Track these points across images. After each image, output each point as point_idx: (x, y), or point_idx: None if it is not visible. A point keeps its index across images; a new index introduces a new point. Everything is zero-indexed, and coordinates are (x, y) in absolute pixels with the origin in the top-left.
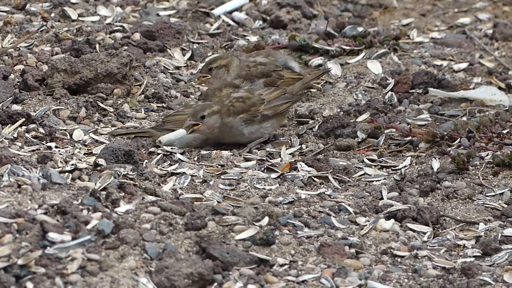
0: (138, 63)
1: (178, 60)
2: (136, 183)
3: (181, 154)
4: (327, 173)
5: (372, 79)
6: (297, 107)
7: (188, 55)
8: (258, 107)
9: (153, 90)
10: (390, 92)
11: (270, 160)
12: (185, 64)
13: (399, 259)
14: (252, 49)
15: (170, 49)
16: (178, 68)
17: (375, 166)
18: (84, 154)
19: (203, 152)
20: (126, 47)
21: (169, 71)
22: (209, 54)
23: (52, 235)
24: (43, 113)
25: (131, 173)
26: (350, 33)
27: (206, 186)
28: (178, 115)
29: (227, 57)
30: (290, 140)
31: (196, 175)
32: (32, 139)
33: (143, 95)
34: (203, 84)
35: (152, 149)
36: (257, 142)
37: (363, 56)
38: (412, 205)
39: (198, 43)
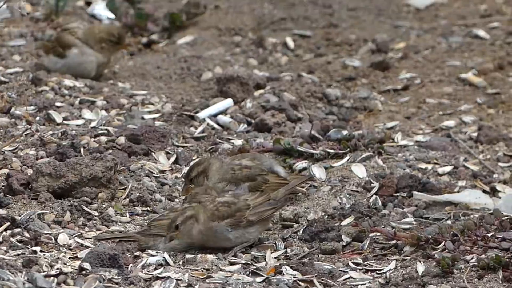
0: (122, 167)
1: (162, 163)
2: (121, 287)
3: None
4: (312, 277)
5: (357, 183)
6: (282, 210)
7: (172, 159)
8: (243, 213)
9: (137, 194)
10: (374, 196)
11: (255, 264)
12: (170, 168)
13: None
14: (236, 152)
15: (154, 153)
16: (162, 172)
17: (360, 269)
18: (69, 258)
19: (188, 256)
20: (111, 151)
21: (154, 175)
22: (193, 158)
23: None
24: (28, 217)
25: (116, 277)
26: (334, 136)
27: None
28: (164, 220)
29: (203, 162)
30: (275, 243)
31: (181, 279)
32: (17, 243)
33: (127, 199)
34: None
35: (137, 253)
36: (242, 246)
37: (348, 160)
38: None
39: (183, 146)
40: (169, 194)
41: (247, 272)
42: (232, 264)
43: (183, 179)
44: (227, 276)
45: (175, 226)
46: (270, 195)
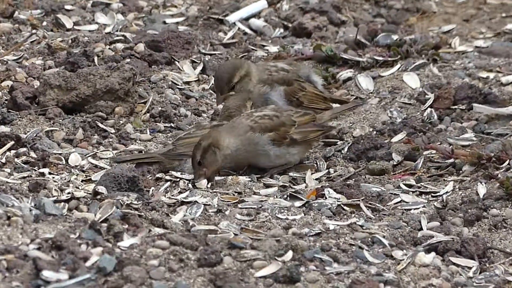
0: (142, 78)
1: (188, 74)
2: (142, 213)
3: (191, 179)
4: (359, 200)
5: (409, 94)
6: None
7: (199, 68)
8: (288, 129)
9: (159, 108)
10: (429, 109)
11: (294, 187)
12: (196, 79)
13: None
14: (271, 60)
15: (178, 62)
16: (188, 83)
17: (412, 192)
18: (82, 181)
19: (217, 178)
20: (128, 60)
21: (178, 86)
22: None
23: (46, 274)
24: (34, 135)
25: (135, 202)
26: (383, 41)
27: (221, 217)
28: (191, 138)
29: (241, 64)
30: (316, 163)
31: (209, 204)
32: (23, 164)
33: (148, 114)
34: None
35: (159, 175)
36: (282, 168)
37: (399, 68)
38: (455, 237)
39: (211, 54)
40: (195, 108)
41: (285, 196)
42: (267, 186)
43: (214, 89)
44: (261, 201)
45: (197, 163)
46: (316, 116)
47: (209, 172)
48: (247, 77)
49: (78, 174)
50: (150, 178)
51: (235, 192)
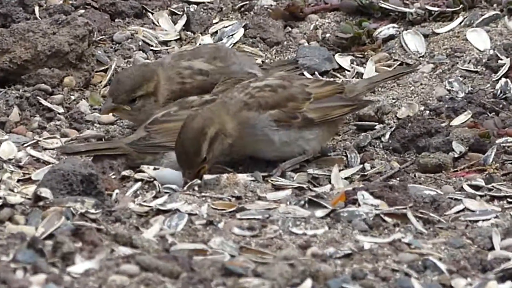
0: (102, 36)
1: (165, 30)
2: (101, 226)
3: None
4: (405, 208)
5: (475, 59)
6: None
7: (181, 22)
8: (299, 104)
9: None
10: (503, 79)
11: (314, 189)
12: (177, 37)
13: None
14: (282, 13)
15: (152, 13)
16: (165, 43)
17: (481, 197)
18: (18, 181)
19: (207, 176)
20: (82, 11)
21: (152, 48)
22: (214, 22)
23: None
24: None
25: (93, 211)
26: None
27: (212, 231)
28: (171, 121)
29: (152, 76)
30: (346, 155)
31: (196, 214)
32: None
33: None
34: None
35: (125, 172)
36: (295, 161)
37: (461, 23)
38: None
39: (197, 3)
40: None
41: (302, 202)
42: (277, 188)
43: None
44: (269, 208)
45: (202, 160)
46: (344, 86)
47: (205, 169)
48: (153, 96)
49: (12, 171)
50: (113, 177)
51: (232, 196)
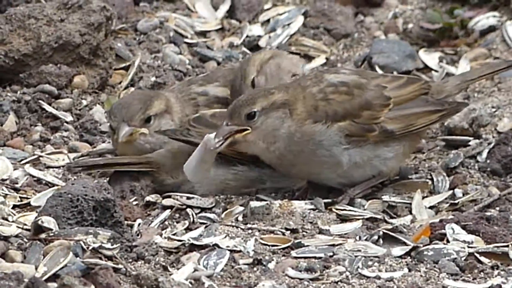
0: (123, 25)
1: (203, 18)
2: (120, 265)
3: (211, 208)
4: (507, 246)
5: None
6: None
7: (224, 8)
8: (376, 113)
9: (152, 79)
10: None
11: (391, 221)
12: (219, 26)
13: None
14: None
15: None
16: (203, 34)
17: None
18: (14, 207)
19: (253, 204)
20: None
21: (186, 40)
22: (266, 7)
23: None
24: None
25: (109, 245)
26: None
27: (261, 273)
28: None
29: (157, 94)
30: (432, 179)
31: (240, 250)
32: None
33: (133, 89)
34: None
35: (150, 197)
36: (366, 185)
37: None
38: None
39: None
40: None
41: (375, 237)
42: (344, 220)
43: (113, 123)
44: (333, 245)
45: (247, 115)
46: (430, 84)
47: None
48: (168, 114)
49: (6, 194)
50: (135, 203)
51: (286, 229)
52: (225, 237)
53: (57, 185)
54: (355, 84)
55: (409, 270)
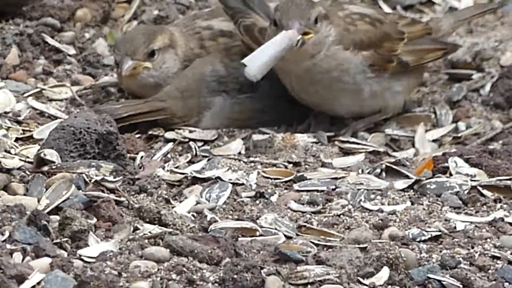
0: None
1: None
2: (122, 198)
3: (213, 140)
4: (510, 179)
5: None
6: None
7: None
8: (394, 45)
9: (155, 12)
10: None
11: (394, 154)
12: None
13: None
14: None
15: None
16: None
17: None
18: (17, 139)
19: (256, 136)
20: None
21: None
22: None
23: None
24: None
25: (111, 178)
26: None
27: (263, 206)
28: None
29: (162, 28)
30: (435, 112)
31: (243, 183)
32: None
33: (135, 22)
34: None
35: (153, 131)
36: (370, 120)
37: None
38: None
39: None
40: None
41: (378, 170)
42: (347, 153)
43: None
44: (335, 178)
45: (316, 18)
46: (430, 25)
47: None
48: (172, 48)
49: (9, 127)
50: (137, 135)
51: (289, 162)
52: (228, 170)
53: (60, 118)
54: (375, 17)
55: (412, 204)
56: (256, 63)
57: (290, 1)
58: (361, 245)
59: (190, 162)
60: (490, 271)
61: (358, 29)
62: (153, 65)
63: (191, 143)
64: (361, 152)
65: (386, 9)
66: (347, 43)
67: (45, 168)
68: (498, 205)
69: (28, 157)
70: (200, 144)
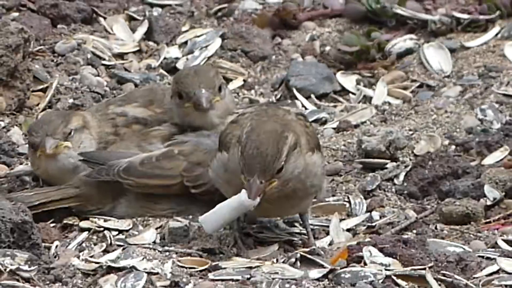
0: (41, 46)
1: (121, 39)
2: (37, 287)
3: (128, 229)
4: (424, 269)
5: None
6: (363, 135)
7: (141, 30)
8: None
9: (70, 101)
10: None
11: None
12: (136, 48)
13: None
14: (270, 20)
15: (105, 18)
16: (120, 56)
17: None
18: None
19: (172, 223)
20: (16, 14)
21: (104, 62)
22: (183, 29)
23: None
24: None
25: (26, 267)
26: None
27: None
28: (151, 178)
29: (73, 112)
30: (349, 201)
31: (158, 273)
32: None
33: (50, 111)
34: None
35: (69, 220)
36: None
37: (497, 34)
38: None
39: (162, 6)
40: None
41: (292, 259)
42: (261, 242)
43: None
44: (250, 267)
45: (279, 170)
46: None
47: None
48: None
49: None
50: (52, 225)
51: (204, 251)
52: (143, 259)
53: None
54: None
55: None
56: (211, 222)
57: (256, 148)
58: None
59: (105, 251)
60: None
61: (310, 132)
62: (72, 145)
63: (106, 232)
64: (275, 242)
65: (301, 98)
66: (310, 147)
67: None
68: None
69: None
70: (115, 233)
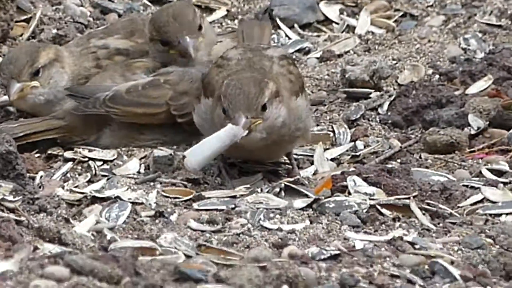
0: None
1: None
2: (22, 217)
3: (113, 160)
4: (408, 198)
5: (498, 10)
6: (347, 65)
7: None
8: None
9: (54, 31)
10: None
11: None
12: None
13: None
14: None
15: None
16: None
17: (504, 184)
18: None
19: (157, 152)
20: None
21: None
22: None
23: None
24: None
25: (11, 197)
26: None
27: (163, 225)
28: (138, 106)
29: (45, 45)
30: (333, 131)
31: (142, 203)
32: None
33: (34, 41)
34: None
35: (53, 150)
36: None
37: None
38: None
39: None
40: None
41: (276, 189)
42: (245, 172)
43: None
44: (233, 196)
45: (262, 106)
46: None
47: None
48: (58, 62)
49: None
50: (37, 155)
51: (188, 180)
52: (127, 189)
53: None
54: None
55: (311, 222)
56: (197, 156)
57: (238, 88)
58: (260, 264)
59: (90, 182)
60: None
61: (293, 73)
62: (40, 83)
63: (90, 162)
64: (259, 171)
65: (285, 28)
66: (293, 90)
67: None
68: (397, 224)
69: None
70: (99, 163)
